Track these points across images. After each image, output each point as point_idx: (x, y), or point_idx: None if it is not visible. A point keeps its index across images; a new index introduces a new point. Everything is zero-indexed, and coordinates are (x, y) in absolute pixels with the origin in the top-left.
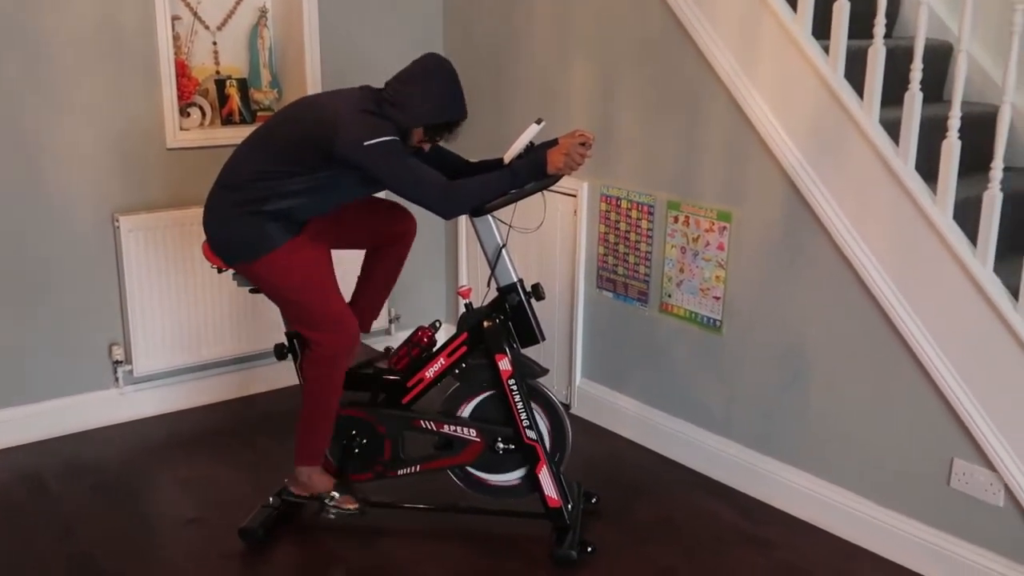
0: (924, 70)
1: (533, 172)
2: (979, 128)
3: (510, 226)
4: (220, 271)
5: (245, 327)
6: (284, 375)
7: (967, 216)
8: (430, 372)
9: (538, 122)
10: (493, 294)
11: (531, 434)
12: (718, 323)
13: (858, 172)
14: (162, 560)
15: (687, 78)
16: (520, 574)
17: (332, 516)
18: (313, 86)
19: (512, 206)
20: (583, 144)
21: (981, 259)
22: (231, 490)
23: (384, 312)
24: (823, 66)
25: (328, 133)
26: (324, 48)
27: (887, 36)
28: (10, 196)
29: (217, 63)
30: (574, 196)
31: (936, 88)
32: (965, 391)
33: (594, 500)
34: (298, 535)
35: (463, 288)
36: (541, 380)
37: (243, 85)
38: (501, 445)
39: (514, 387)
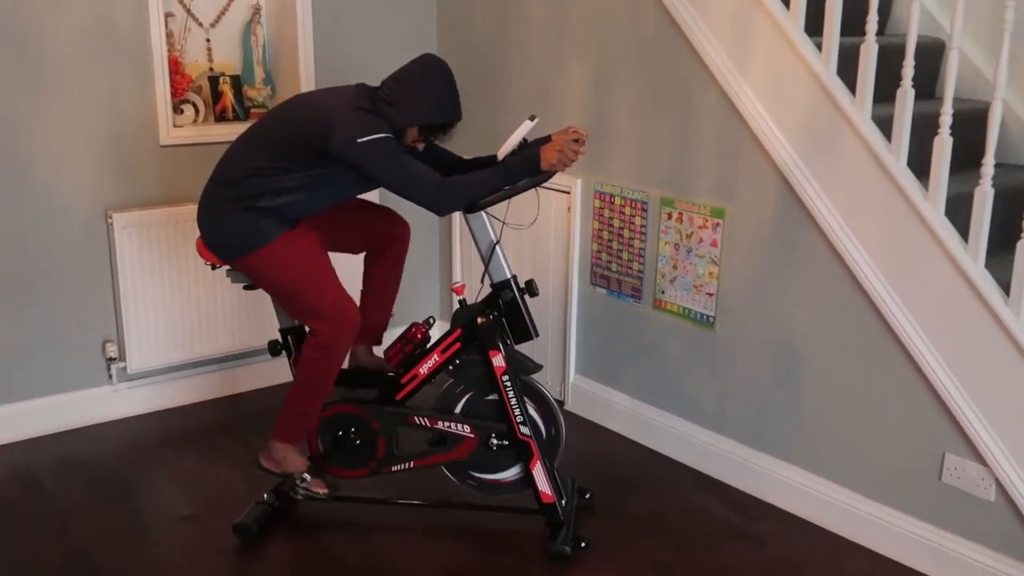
0: (916, 67)
1: (527, 169)
2: (971, 125)
3: (504, 223)
4: (214, 268)
5: (239, 324)
6: (278, 372)
7: (959, 212)
8: (424, 368)
9: (532, 119)
10: (487, 290)
11: (525, 430)
12: (711, 319)
13: (851, 169)
14: (157, 557)
15: (681, 75)
16: (514, 569)
17: (299, 496)
18: (307, 83)
19: (506, 203)
20: (577, 141)
21: (973, 255)
22: (225, 487)
23: None
24: (816, 63)
25: (323, 130)
26: (318, 45)
27: (879, 33)
28: (3, 193)
29: (211, 60)
30: (568, 193)
31: (928, 85)
32: (957, 386)
33: (587, 496)
34: (292, 531)
35: (457, 285)
36: (535, 376)
37: (237, 82)
38: (495, 441)
39: (508, 383)
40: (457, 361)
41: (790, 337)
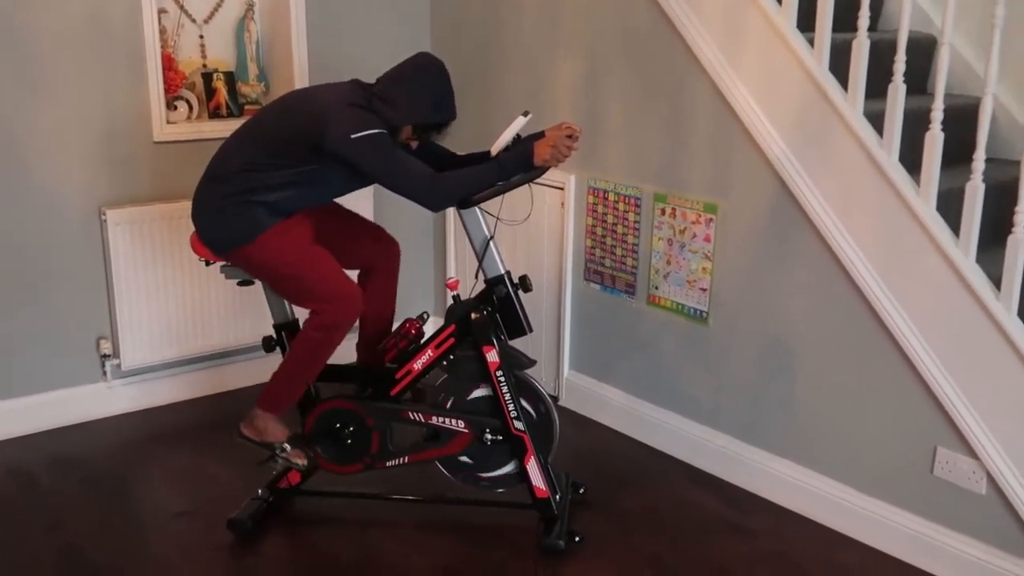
0: (908, 63)
1: (520, 164)
2: (962, 120)
3: (497, 218)
4: (208, 264)
5: (233, 320)
6: (273, 368)
7: (950, 207)
8: (418, 364)
9: (525, 114)
10: (481, 286)
11: (519, 425)
12: (705, 314)
13: (843, 164)
14: (152, 553)
15: (673, 71)
16: (508, 564)
17: (278, 466)
18: (301, 79)
19: (499, 198)
20: (570, 136)
21: (964, 250)
22: (220, 483)
23: None
24: (808, 59)
25: (317, 127)
26: (311, 41)
27: (871, 29)
28: None
29: (204, 57)
30: (561, 189)
31: (920, 80)
32: (948, 380)
33: (581, 490)
34: (287, 527)
35: (451, 280)
36: (529, 371)
37: (230, 79)
38: (489, 436)
39: (502, 378)
40: (451, 357)
41: (783, 331)
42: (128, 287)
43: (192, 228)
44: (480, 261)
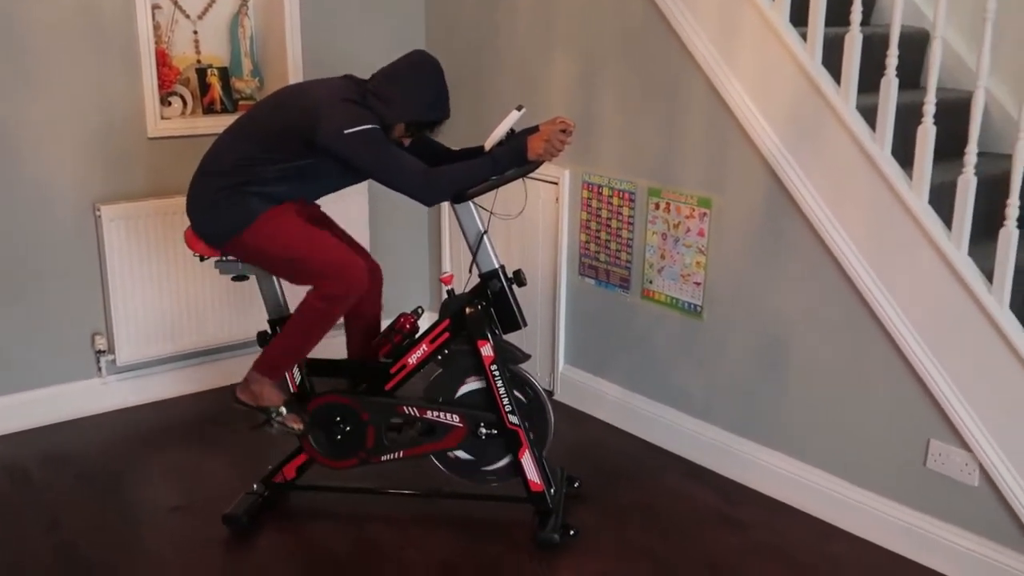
0: (900, 57)
1: (513, 159)
2: (954, 114)
3: (492, 213)
4: (202, 259)
5: (228, 316)
6: None
7: (942, 201)
8: (413, 358)
9: (519, 109)
10: (475, 280)
11: (513, 419)
12: (699, 308)
13: (836, 158)
14: (147, 548)
15: (668, 66)
16: (503, 558)
17: (274, 430)
18: (295, 75)
19: (494, 193)
20: (564, 131)
21: (956, 243)
22: (215, 478)
23: None
24: (801, 53)
25: (310, 121)
26: (305, 37)
27: (864, 23)
28: None
29: (198, 52)
30: (556, 184)
31: (913, 75)
32: (941, 373)
33: (576, 484)
34: (282, 521)
35: (445, 275)
36: (523, 366)
37: (224, 74)
38: (484, 430)
39: (496, 373)
40: (446, 351)
41: (776, 325)
42: (122, 283)
43: (186, 224)
44: (474, 256)
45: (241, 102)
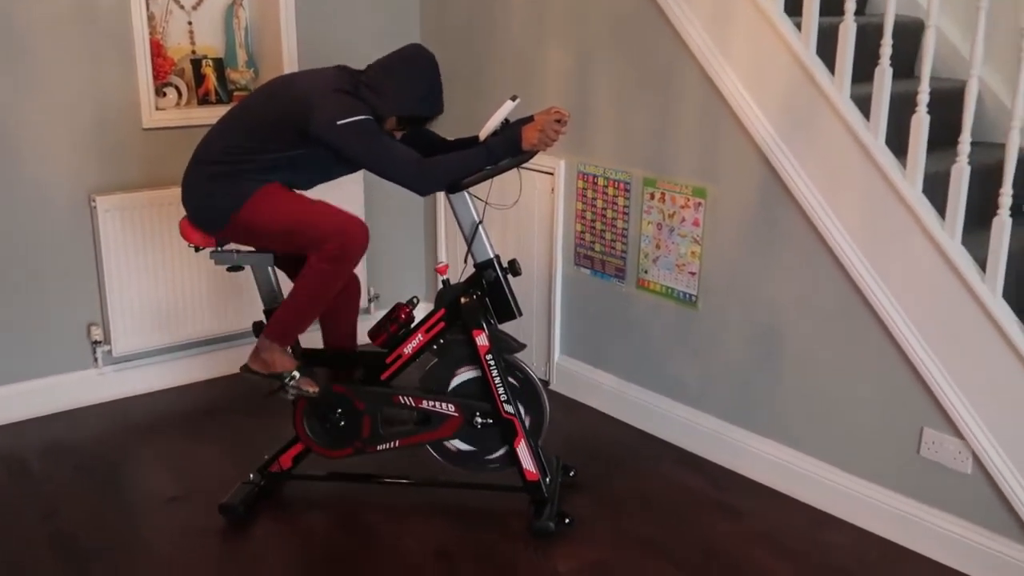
0: (894, 46)
1: (508, 149)
2: (948, 103)
3: (486, 203)
4: (197, 250)
5: (224, 306)
6: None
7: (936, 190)
8: (408, 348)
9: (513, 99)
10: (470, 270)
11: (509, 408)
12: (694, 298)
13: (830, 147)
14: (144, 538)
15: (662, 56)
16: (499, 546)
17: (290, 396)
18: (290, 66)
19: (488, 183)
20: (558, 121)
21: (949, 232)
22: (211, 468)
23: (364, 291)
24: (795, 43)
25: (303, 112)
26: (300, 27)
27: (858, 13)
28: None
29: (193, 43)
30: (551, 174)
31: (907, 64)
32: (934, 361)
33: (571, 473)
34: (278, 511)
35: (440, 265)
36: (519, 355)
37: (219, 65)
38: (479, 420)
39: (491, 362)
40: (441, 340)
41: (771, 314)
42: (118, 274)
43: (182, 214)
44: (469, 245)
45: (236, 93)
